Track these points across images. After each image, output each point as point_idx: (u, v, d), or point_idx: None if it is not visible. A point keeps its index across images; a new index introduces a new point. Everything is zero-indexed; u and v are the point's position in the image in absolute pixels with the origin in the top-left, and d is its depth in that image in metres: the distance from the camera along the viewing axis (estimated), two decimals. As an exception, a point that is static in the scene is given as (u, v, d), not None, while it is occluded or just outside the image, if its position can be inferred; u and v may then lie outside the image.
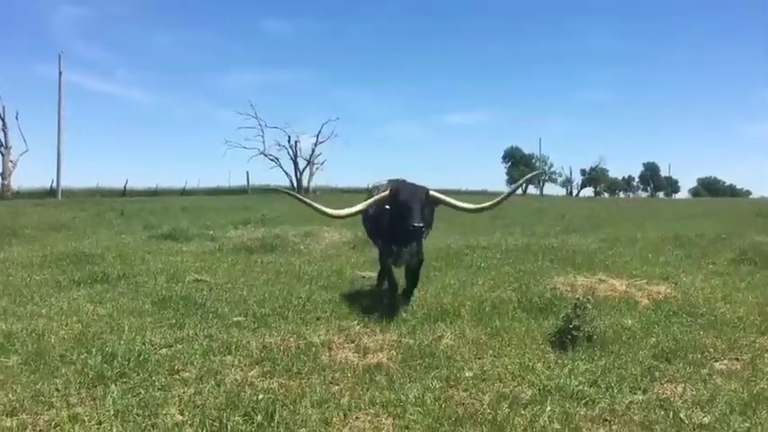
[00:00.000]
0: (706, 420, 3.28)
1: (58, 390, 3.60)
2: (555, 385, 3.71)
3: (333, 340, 4.70)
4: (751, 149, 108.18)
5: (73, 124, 73.14)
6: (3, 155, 41.78)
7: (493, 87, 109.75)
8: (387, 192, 5.49)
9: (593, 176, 76.97)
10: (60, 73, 41.48)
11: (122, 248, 10.22)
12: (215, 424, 3.16)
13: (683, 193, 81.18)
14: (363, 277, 7.53)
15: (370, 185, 6.28)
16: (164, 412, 3.30)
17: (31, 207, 23.28)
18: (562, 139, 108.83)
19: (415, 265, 5.84)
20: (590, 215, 20.93)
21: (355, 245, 10.56)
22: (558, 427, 3.18)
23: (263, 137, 51.84)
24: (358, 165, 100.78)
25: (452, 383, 3.81)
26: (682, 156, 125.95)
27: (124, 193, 43.30)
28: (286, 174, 52.38)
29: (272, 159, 51.81)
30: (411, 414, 3.32)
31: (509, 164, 77.78)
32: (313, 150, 52.81)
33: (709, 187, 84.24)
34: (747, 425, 3.22)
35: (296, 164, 52.60)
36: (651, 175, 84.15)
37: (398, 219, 5.26)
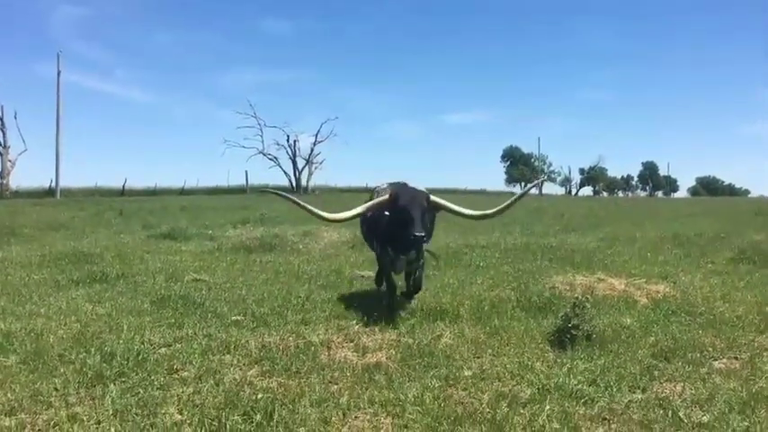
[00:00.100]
0: (705, 419, 3.28)
1: (56, 389, 3.60)
2: (554, 384, 3.71)
3: (332, 339, 4.69)
4: (749, 149, 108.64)
5: (72, 124, 73.49)
6: (1, 154, 41.75)
7: (492, 87, 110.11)
8: (386, 196, 5.34)
9: (592, 176, 77.08)
10: (59, 72, 41.46)
11: (121, 248, 10.21)
12: (214, 423, 3.15)
13: (681, 193, 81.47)
14: (362, 277, 7.53)
15: (372, 186, 6.15)
16: (162, 411, 3.29)
17: (30, 207, 23.25)
18: (561, 138, 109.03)
19: (415, 270, 5.73)
20: (589, 214, 20.94)
21: (354, 244, 10.55)
22: (557, 426, 3.18)
23: (261, 136, 51.91)
24: (357, 164, 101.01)
25: (451, 382, 3.81)
26: (680, 155, 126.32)
27: (123, 192, 43.27)
28: (285, 173, 52.43)
29: (270, 159, 51.86)
30: (410, 413, 3.32)
31: (508, 163, 77.92)
32: (312, 150, 52.86)
33: (708, 186, 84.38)
34: (746, 423, 3.22)
35: (295, 163, 52.65)
36: (650, 175, 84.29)
37: (398, 226, 5.11)
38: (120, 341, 4.49)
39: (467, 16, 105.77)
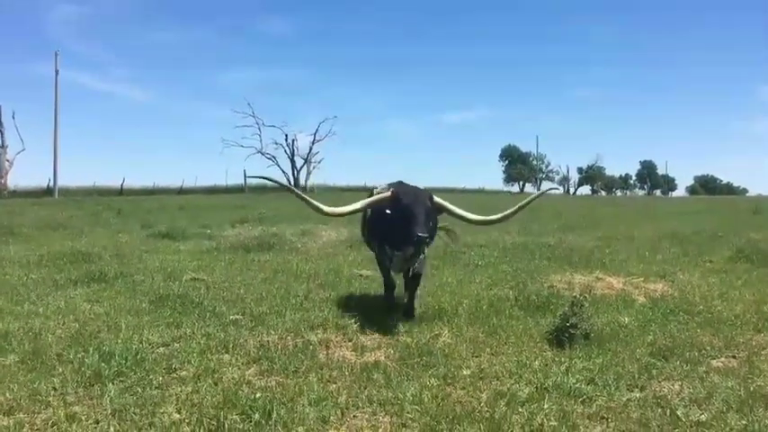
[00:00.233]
0: (703, 418, 3.29)
1: (55, 388, 3.59)
2: (552, 383, 3.72)
3: (330, 339, 4.69)
4: (748, 148, 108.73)
5: (70, 123, 73.19)
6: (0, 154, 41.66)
7: (490, 86, 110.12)
8: (388, 193, 5.16)
9: (591, 175, 77.11)
10: (57, 72, 41.41)
11: (119, 247, 10.21)
12: (212, 422, 3.15)
13: (679, 192, 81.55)
14: (361, 276, 7.53)
15: (370, 186, 5.99)
16: (161, 411, 3.29)
17: (28, 206, 23.20)
18: (559, 137, 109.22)
19: (415, 274, 5.43)
20: (587, 213, 20.95)
21: (352, 243, 10.55)
22: (556, 424, 3.19)
23: (260, 135, 51.97)
24: (355, 163, 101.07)
25: (450, 382, 3.81)
26: (679, 154, 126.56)
27: (121, 191, 43.20)
28: (283, 172, 52.46)
29: (269, 158, 51.93)
30: (409, 412, 3.32)
31: (506, 162, 77.87)
32: (310, 149, 52.93)
33: (706, 185, 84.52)
34: (744, 422, 3.22)
35: (293, 162, 52.73)
36: (648, 174, 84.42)
37: (399, 225, 4.89)
38: (119, 340, 4.48)
39: (466, 16, 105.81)
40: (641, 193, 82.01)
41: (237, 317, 5.31)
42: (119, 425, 3.14)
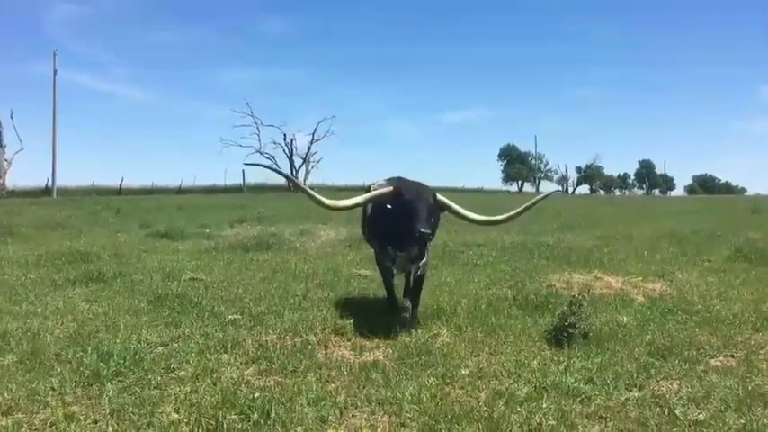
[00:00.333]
0: (701, 417, 3.29)
1: (53, 388, 3.59)
2: (551, 382, 3.72)
3: (329, 338, 4.70)
4: (746, 147, 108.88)
5: (68, 123, 73.25)
6: (-2, 153, 41.59)
7: (489, 85, 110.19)
8: (390, 188, 4.99)
9: (589, 174, 77.14)
10: (55, 71, 41.39)
11: (118, 247, 10.20)
12: (211, 422, 3.15)
13: (678, 191, 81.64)
14: (360, 275, 7.53)
15: (368, 184, 5.86)
16: (159, 411, 3.29)
17: (27, 206, 23.18)
18: (558, 136, 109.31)
19: (416, 275, 5.26)
20: (586, 213, 20.96)
21: (351, 243, 10.56)
22: (554, 423, 3.19)
23: (258, 135, 51.77)
24: (355, 163, 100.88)
25: (448, 381, 3.82)
26: (677, 154, 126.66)
27: (120, 191, 43.14)
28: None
29: (267, 158, 51.69)
30: (407, 412, 3.32)
31: (505, 162, 77.83)
32: (309, 148, 52.76)
33: (705, 185, 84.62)
34: (742, 421, 3.23)
35: (292, 162, 52.56)
36: (647, 173, 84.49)
37: (401, 222, 4.72)
38: (117, 340, 4.48)
39: (465, 16, 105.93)
40: (640, 192, 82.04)
41: (236, 316, 5.31)
42: (117, 425, 3.14)
